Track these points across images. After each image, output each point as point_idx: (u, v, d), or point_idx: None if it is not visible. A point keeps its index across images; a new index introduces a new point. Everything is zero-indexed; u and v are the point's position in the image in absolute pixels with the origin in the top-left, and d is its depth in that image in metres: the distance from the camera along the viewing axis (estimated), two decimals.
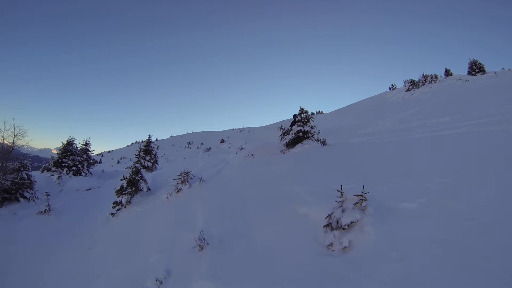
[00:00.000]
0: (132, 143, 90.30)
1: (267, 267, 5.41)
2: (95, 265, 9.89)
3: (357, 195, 5.36)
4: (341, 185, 5.72)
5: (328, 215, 5.55)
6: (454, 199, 4.94)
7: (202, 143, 68.50)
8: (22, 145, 20.76)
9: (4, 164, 18.58)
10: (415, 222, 4.68)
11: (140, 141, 78.38)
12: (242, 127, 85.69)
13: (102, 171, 28.39)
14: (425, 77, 36.33)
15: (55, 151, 30.19)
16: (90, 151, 27.08)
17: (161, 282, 6.81)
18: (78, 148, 25.85)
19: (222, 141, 62.16)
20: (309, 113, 13.95)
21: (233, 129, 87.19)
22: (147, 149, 22.69)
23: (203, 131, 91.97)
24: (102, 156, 72.65)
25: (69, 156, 24.28)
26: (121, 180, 14.31)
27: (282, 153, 13.41)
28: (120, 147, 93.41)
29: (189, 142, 73.73)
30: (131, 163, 22.71)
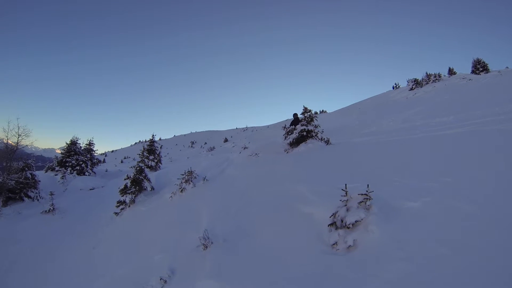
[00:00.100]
0: (135, 143, 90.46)
1: (271, 266, 5.42)
2: (99, 264, 9.89)
3: (362, 194, 5.36)
4: (346, 184, 5.72)
5: (333, 214, 5.55)
6: (458, 198, 4.92)
7: (205, 143, 68.58)
8: (26, 145, 20.81)
9: (9, 164, 18.64)
10: (420, 221, 4.67)
11: (144, 140, 78.47)
12: (245, 126, 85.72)
13: (106, 171, 28.38)
14: (428, 76, 36.23)
15: (59, 151, 30.21)
16: (94, 151, 27.08)
17: (165, 281, 6.82)
18: (82, 148, 25.83)
19: (226, 140, 62.17)
20: (313, 112, 13.91)
21: (236, 128, 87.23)
22: (151, 149, 22.67)
23: (206, 131, 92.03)
24: (105, 155, 72.84)
25: (73, 156, 24.27)
26: (125, 179, 14.31)
27: (286, 152, 13.40)
28: (123, 146, 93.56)
29: (193, 142, 73.82)
30: (134, 163, 22.71)
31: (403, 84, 43.88)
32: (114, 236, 11.58)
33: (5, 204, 16.84)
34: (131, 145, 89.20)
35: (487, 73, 33.46)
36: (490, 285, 3.19)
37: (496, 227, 3.97)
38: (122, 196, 13.84)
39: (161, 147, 24.36)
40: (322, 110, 57.19)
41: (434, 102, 20.76)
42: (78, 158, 24.37)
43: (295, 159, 11.77)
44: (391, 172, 7.17)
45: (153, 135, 23.20)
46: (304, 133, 13.14)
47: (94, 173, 25.49)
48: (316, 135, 13.33)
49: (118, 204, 13.75)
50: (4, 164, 18.62)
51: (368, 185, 5.46)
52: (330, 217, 5.59)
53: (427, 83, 34.74)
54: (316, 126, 13.49)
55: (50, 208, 15.79)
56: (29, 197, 17.87)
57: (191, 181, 12.80)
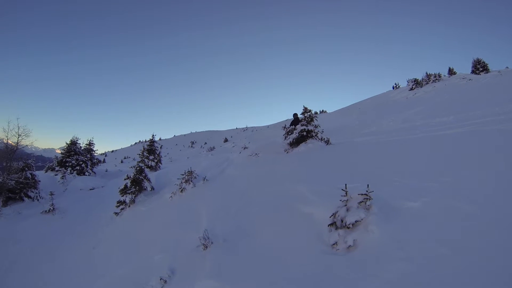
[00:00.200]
0: (135, 143, 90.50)
1: (271, 266, 5.42)
2: (99, 264, 9.90)
3: (362, 194, 5.36)
4: (346, 184, 5.72)
5: (333, 214, 5.55)
6: (458, 198, 4.93)
7: (205, 143, 68.62)
8: (26, 145, 20.82)
9: (9, 164, 18.64)
10: (420, 221, 4.67)
11: (144, 140, 78.49)
12: (245, 126, 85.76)
13: (106, 171, 28.38)
14: (428, 76, 36.26)
15: (58, 151, 30.21)
16: (94, 151, 27.05)
17: (165, 281, 6.83)
18: (82, 148, 25.81)
19: (226, 140, 62.20)
20: (313, 112, 13.92)
21: (236, 128, 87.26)
22: (151, 149, 22.67)
23: (206, 131, 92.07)
24: (105, 155, 72.87)
25: (73, 156, 24.26)
26: (125, 179, 14.31)
27: (286, 152, 13.41)
28: (123, 146, 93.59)
29: (193, 142, 73.85)
30: (134, 163, 22.72)
31: (403, 84, 44.00)
32: (114, 236, 11.59)
33: (5, 204, 16.84)
34: (131, 145, 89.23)
35: (487, 73, 33.48)
36: (490, 285, 3.19)
37: (496, 227, 3.97)
38: (122, 196, 13.85)
39: (161, 147, 24.32)
40: (322, 110, 57.25)
41: (434, 102, 20.78)
42: (78, 158, 24.37)
43: (295, 159, 11.77)
44: (391, 172, 7.17)
45: (153, 135, 23.21)
46: (304, 133, 13.15)
47: (94, 173, 25.48)
48: (316, 135, 13.33)
49: (118, 204, 13.75)
50: (4, 164, 18.63)
51: (368, 185, 5.46)
52: (330, 217, 5.60)
53: (427, 83, 34.77)
54: (316, 126, 13.49)
55: (50, 208, 15.78)
56: (29, 197, 17.86)
57: (191, 181, 12.81)
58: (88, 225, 13.72)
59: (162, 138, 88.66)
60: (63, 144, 25.28)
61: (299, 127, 13.33)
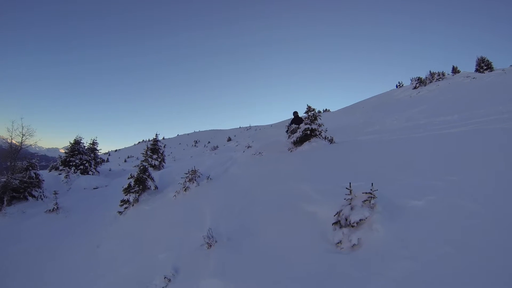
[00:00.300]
0: (139, 142, 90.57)
1: (275, 265, 5.43)
2: (103, 263, 9.92)
3: (366, 193, 5.35)
4: (350, 183, 5.71)
5: (337, 212, 5.54)
6: (463, 196, 4.91)
7: (209, 142, 68.61)
8: (30, 145, 20.86)
9: (13, 163, 18.70)
10: (424, 220, 4.67)
11: (147, 140, 78.50)
12: (249, 125, 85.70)
13: (110, 170, 28.38)
14: (432, 74, 36.19)
15: (62, 150, 30.27)
16: (98, 150, 27.09)
17: (169, 280, 6.84)
18: (86, 147, 25.87)
19: (229, 139, 62.19)
20: (316, 111, 13.89)
21: (239, 127, 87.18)
22: (154, 148, 22.70)
23: (209, 130, 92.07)
24: (109, 155, 72.96)
25: (77, 155, 24.32)
26: (128, 178, 14.33)
27: (290, 151, 13.39)
28: (127, 146, 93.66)
29: (196, 141, 73.86)
30: (138, 162, 22.77)
31: (406, 82, 43.87)
32: (118, 235, 11.61)
33: (9, 203, 16.88)
34: (135, 144, 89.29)
35: (491, 71, 33.40)
36: (495, 283, 3.19)
37: (500, 225, 3.96)
38: (126, 195, 13.87)
39: (164, 146, 24.33)
40: (326, 109, 57.21)
41: (438, 100, 20.73)
42: (81, 158, 24.43)
43: (299, 158, 11.74)
44: (395, 170, 7.16)
45: (156, 134, 23.25)
46: (308, 132, 13.12)
47: (98, 172, 25.52)
48: (319, 134, 13.30)
49: (121, 203, 13.77)
50: (8, 163, 18.69)
51: (372, 183, 5.45)
52: (334, 215, 5.59)
53: (430, 82, 34.70)
54: (319, 125, 13.46)
55: (54, 207, 15.84)
56: (33, 196, 17.92)
57: (195, 180, 12.82)
58: (92, 224, 13.76)
59: (165, 138, 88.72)
60: (67, 144, 25.35)
61: (303, 126, 13.31)
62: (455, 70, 38.74)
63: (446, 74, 36.36)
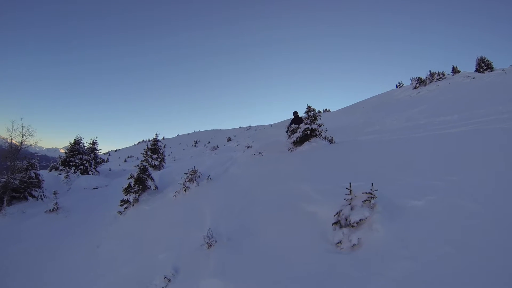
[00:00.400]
0: (139, 142, 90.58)
1: (275, 265, 5.44)
2: (103, 263, 9.93)
3: (366, 193, 5.35)
4: (350, 183, 5.72)
5: (337, 212, 5.55)
6: (463, 196, 4.92)
7: (209, 142, 68.60)
8: (30, 145, 20.87)
9: (13, 163, 18.71)
10: (424, 220, 4.67)
11: (147, 140, 78.47)
12: (249, 125, 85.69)
13: (110, 170, 28.39)
14: (432, 74, 36.21)
15: (62, 150, 30.31)
16: (97, 150, 27.10)
17: (169, 280, 6.84)
18: (86, 147, 25.90)
19: (229, 139, 62.19)
20: (316, 111, 13.89)
21: (239, 127, 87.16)
22: (154, 148, 22.72)
23: (209, 130, 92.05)
24: (109, 155, 72.97)
25: (77, 155, 24.34)
26: (128, 178, 14.34)
27: (290, 151, 13.39)
28: (127, 146, 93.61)
29: (196, 141, 73.86)
30: (138, 162, 22.79)
31: (406, 82, 43.87)
32: (118, 235, 11.62)
33: (9, 203, 16.89)
34: (135, 144, 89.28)
35: (491, 71, 33.42)
36: (495, 284, 3.19)
37: (501, 225, 3.97)
38: (126, 195, 13.88)
39: (164, 146, 24.31)
40: (326, 109, 57.23)
41: (438, 100, 20.74)
42: (81, 158, 24.45)
43: (299, 158, 11.74)
44: (395, 170, 7.16)
45: (156, 134, 23.27)
46: (308, 132, 13.12)
47: (98, 172, 25.53)
48: (319, 134, 13.30)
49: (121, 203, 13.79)
50: (9, 163, 18.71)
51: (372, 183, 5.45)
52: (334, 215, 5.59)
53: (430, 82, 34.71)
54: (319, 125, 13.45)
55: (54, 207, 15.85)
56: (33, 196, 17.93)
57: (195, 180, 12.83)
58: (92, 224, 13.78)
59: (165, 137, 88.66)
60: (67, 144, 25.36)
61: (303, 126, 13.31)
62: (455, 70, 38.76)
63: (446, 74, 36.39)
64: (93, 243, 11.63)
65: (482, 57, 36.49)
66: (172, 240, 8.80)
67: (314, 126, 13.18)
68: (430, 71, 36.86)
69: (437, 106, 18.20)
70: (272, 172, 10.78)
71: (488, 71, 33.62)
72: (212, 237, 7.19)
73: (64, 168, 23.75)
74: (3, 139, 20.98)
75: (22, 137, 20.01)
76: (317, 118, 13.65)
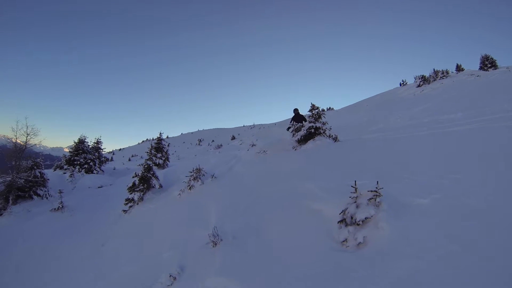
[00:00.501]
0: (143, 141, 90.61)
1: (280, 263, 5.45)
2: (107, 261, 9.96)
3: (371, 191, 5.35)
4: (355, 181, 5.72)
5: (342, 210, 5.54)
6: (468, 195, 4.91)
7: (213, 140, 68.53)
8: (35, 144, 20.94)
9: (18, 163, 18.77)
10: (430, 218, 4.66)
11: (151, 138, 78.48)
12: (252, 124, 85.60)
13: (114, 169, 28.46)
14: (436, 72, 36.10)
15: (67, 150, 30.40)
16: (102, 149, 27.20)
17: (174, 278, 6.86)
18: (90, 146, 25.98)
19: (233, 138, 62.07)
20: (320, 109, 13.87)
21: (243, 126, 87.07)
22: (158, 147, 22.73)
23: (213, 129, 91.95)
24: (113, 154, 73.04)
25: (81, 154, 24.41)
26: (133, 177, 14.38)
27: (294, 149, 13.39)
28: (131, 145, 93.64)
29: (200, 140, 73.79)
30: (142, 161, 22.82)
31: (410, 81, 43.75)
32: (123, 234, 11.66)
33: (14, 202, 16.96)
34: (139, 143, 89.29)
35: (495, 69, 33.28)
36: (502, 282, 3.19)
37: (507, 224, 3.96)
38: (131, 193, 13.92)
39: (168, 145, 24.27)
40: (329, 108, 57.13)
41: (442, 98, 20.68)
42: (86, 157, 24.52)
43: (303, 156, 11.74)
44: (400, 168, 7.15)
45: (160, 133, 23.28)
46: (312, 130, 13.11)
47: (102, 171, 25.60)
48: (324, 132, 13.28)
49: (126, 202, 13.83)
50: (13, 163, 18.78)
51: (377, 181, 5.45)
52: (340, 214, 5.59)
53: (434, 80, 34.62)
54: (324, 123, 13.43)
55: (59, 206, 15.92)
56: (38, 195, 18.00)
57: (199, 178, 12.85)
58: (96, 223, 13.83)
59: (169, 136, 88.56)
60: (71, 143, 25.44)
61: (307, 124, 13.31)
62: (459, 68, 38.62)
63: (450, 72, 36.27)
64: (98, 242, 11.68)
65: (486, 55, 36.30)
66: (177, 239, 8.82)
67: (318, 125, 13.16)
68: (434, 69, 36.79)
69: (441, 104, 18.15)
70: (276, 170, 10.79)
71: (493, 69, 33.47)
72: (218, 235, 7.20)
73: (68, 167, 23.83)
74: (8, 138, 21.07)
75: (27, 136, 20.09)
76: (321, 116, 13.64)
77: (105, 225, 13.25)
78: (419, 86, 34.84)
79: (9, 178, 17.28)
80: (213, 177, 12.79)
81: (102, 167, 26.12)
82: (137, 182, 14.09)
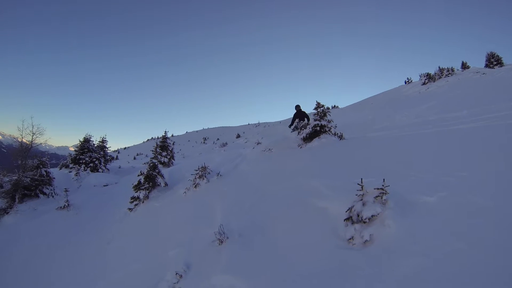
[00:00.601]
0: (148, 140, 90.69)
1: (286, 261, 5.46)
2: (113, 259, 9.99)
3: (378, 189, 5.35)
4: (362, 178, 5.72)
5: (349, 208, 5.55)
6: (475, 192, 4.90)
7: (218, 139, 68.47)
8: (40, 143, 21.06)
9: (24, 162, 18.89)
10: (436, 216, 4.66)
11: (156, 137, 78.50)
12: (257, 122, 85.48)
13: (119, 167, 28.55)
14: (441, 70, 35.93)
15: (72, 149, 30.53)
16: (107, 148, 27.33)
17: (180, 276, 6.87)
18: (95, 145, 26.10)
19: (238, 136, 61.96)
20: (325, 107, 13.85)
21: (248, 124, 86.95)
22: (164, 145, 22.77)
23: (218, 127, 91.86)
24: (118, 152, 73.15)
25: (86, 153, 24.51)
26: (138, 175, 14.42)
27: (299, 147, 13.38)
28: (136, 143, 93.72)
29: (205, 138, 73.74)
30: (147, 159, 22.86)
31: (415, 78, 43.58)
32: (128, 232, 11.69)
33: (21, 201, 17.04)
34: (144, 142, 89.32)
35: (501, 67, 33.11)
36: (507, 280, 3.19)
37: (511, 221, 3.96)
38: (136, 192, 13.96)
39: (173, 144, 24.27)
40: (334, 106, 57.01)
41: (447, 96, 20.58)
42: (91, 155, 24.61)
43: (308, 154, 11.73)
44: (406, 166, 7.13)
45: (165, 131, 23.32)
46: (318, 128, 13.09)
47: (108, 169, 25.69)
48: (329, 130, 13.26)
49: (132, 200, 13.87)
50: (19, 162, 18.89)
51: (384, 179, 5.44)
52: (346, 211, 5.59)
53: (440, 78, 34.47)
54: (329, 121, 13.42)
55: (65, 204, 16.00)
56: (44, 193, 18.09)
57: (205, 176, 12.85)
58: (102, 221, 13.87)
59: (174, 135, 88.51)
60: (76, 142, 25.55)
61: (312, 122, 13.30)
62: (464, 66, 38.41)
63: (455, 69, 36.10)
64: (104, 240, 11.72)
65: (492, 53, 36.09)
66: (183, 237, 8.83)
67: (323, 122, 13.15)
68: (439, 67, 36.57)
69: (447, 102, 18.07)
70: (282, 168, 10.79)
71: (498, 67, 33.30)
72: (224, 233, 7.22)
73: (74, 166, 23.95)
74: (14, 138, 21.19)
75: (33, 135, 20.23)
76: (327, 114, 13.62)
77: (110, 223, 13.30)
78: (424, 84, 34.69)
79: (16, 177, 17.39)
80: (219, 175, 12.79)
81: (108, 166, 26.23)
82: (142, 181, 14.12)
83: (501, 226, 3.93)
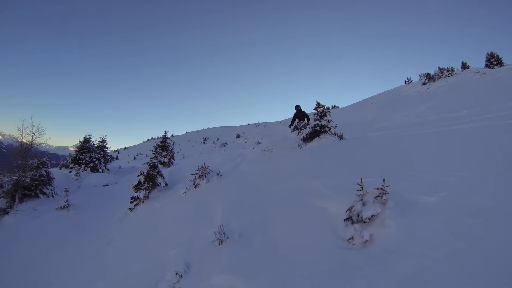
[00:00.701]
0: (148, 140, 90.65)
1: (286, 261, 5.46)
2: (113, 259, 9.99)
3: (378, 189, 5.35)
4: (362, 178, 5.72)
5: (349, 208, 5.55)
6: (475, 192, 4.90)
7: (218, 139, 68.44)
8: (40, 143, 21.07)
9: (24, 162, 18.90)
10: (436, 216, 4.66)
11: (156, 137, 78.46)
12: (257, 122, 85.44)
13: (119, 167, 28.55)
14: (441, 70, 35.92)
15: (72, 149, 30.54)
16: (107, 148, 27.31)
17: (180, 276, 6.88)
18: (95, 145, 26.08)
19: (238, 136, 61.92)
20: (325, 107, 13.85)
21: (248, 124, 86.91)
22: (164, 145, 22.76)
23: (218, 127, 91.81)
24: (118, 152, 73.12)
25: (86, 153, 24.50)
26: (138, 175, 14.42)
27: (300, 147, 13.37)
28: (136, 143, 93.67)
29: (205, 138, 73.70)
30: (147, 159, 22.87)
31: (415, 78, 43.56)
32: (128, 232, 11.70)
33: (21, 201, 17.04)
34: (144, 142, 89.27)
35: (501, 67, 33.10)
36: (507, 280, 3.19)
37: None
38: (136, 192, 13.96)
39: (173, 144, 24.23)
40: (334, 105, 57.00)
41: (447, 96, 20.58)
42: (91, 155, 24.60)
43: (308, 154, 11.72)
44: (406, 166, 7.13)
45: (165, 131, 23.33)
46: (318, 128, 13.09)
47: (108, 169, 25.68)
48: (329, 130, 13.26)
49: (132, 200, 13.87)
50: (19, 162, 18.90)
51: (384, 179, 5.44)
52: (346, 211, 5.59)
53: (440, 78, 34.46)
54: (329, 121, 13.42)
55: (65, 204, 16.01)
56: (44, 193, 18.08)
57: (205, 176, 12.85)
58: (102, 221, 13.87)
59: (174, 135, 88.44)
60: (76, 142, 25.56)
61: (312, 122, 13.30)
62: (464, 66, 38.39)
63: (455, 69, 36.08)
64: (104, 240, 11.72)
65: (492, 52, 36.06)
66: (183, 237, 8.83)
67: (323, 122, 13.15)
68: (439, 67, 36.55)
69: (447, 102, 18.07)
70: (282, 168, 10.79)
71: (498, 67, 33.29)
72: (224, 233, 7.22)
73: (74, 166, 23.94)
74: (14, 138, 21.20)
75: (33, 136, 20.25)
76: (327, 114, 13.62)
77: (110, 223, 13.30)
78: (424, 84, 34.69)
79: (16, 177, 17.40)
80: (219, 175, 12.78)
81: (108, 166, 26.22)
82: (142, 181, 14.12)
83: (501, 226, 3.93)
